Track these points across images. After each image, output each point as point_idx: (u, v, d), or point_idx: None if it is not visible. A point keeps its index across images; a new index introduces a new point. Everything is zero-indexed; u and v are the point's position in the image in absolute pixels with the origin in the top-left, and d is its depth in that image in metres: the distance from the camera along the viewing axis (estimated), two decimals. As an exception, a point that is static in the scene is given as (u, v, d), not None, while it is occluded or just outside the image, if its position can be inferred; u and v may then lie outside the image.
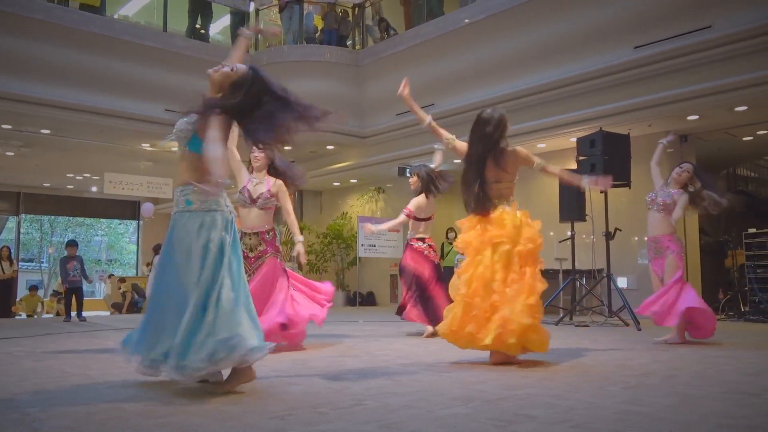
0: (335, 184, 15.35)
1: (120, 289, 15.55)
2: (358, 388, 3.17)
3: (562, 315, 8.16)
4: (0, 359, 4.51)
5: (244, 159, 5.28)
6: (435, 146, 6.58)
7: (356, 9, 13.05)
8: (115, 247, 30.75)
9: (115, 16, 12.44)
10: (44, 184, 17.51)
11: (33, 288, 15.80)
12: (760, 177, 14.93)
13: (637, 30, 8.56)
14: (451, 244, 11.90)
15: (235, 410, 2.62)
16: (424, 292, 6.22)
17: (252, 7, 13.04)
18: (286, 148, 14.57)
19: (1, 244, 14.17)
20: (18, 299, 15.33)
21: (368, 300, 14.39)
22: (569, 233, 8.54)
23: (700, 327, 5.48)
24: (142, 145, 12.63)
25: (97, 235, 30.66)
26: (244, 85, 3.25)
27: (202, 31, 12.38)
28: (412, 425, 2.34)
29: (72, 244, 10.44)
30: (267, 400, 2.85)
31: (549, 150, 11.04)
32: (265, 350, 3.05)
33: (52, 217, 27.20)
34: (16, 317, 13.34)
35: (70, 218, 26.97)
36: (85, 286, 10.35)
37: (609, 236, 7.82)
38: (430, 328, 6.04)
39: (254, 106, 3.22)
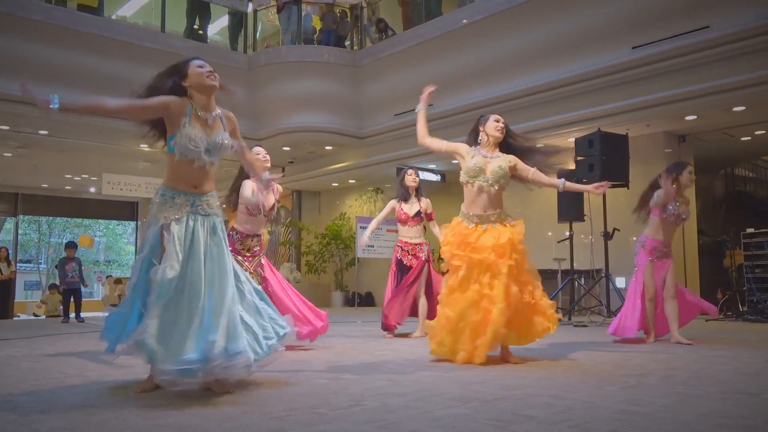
0: (334, 184, 15.35)
1: (116, 291, 15.55)
2: (356, 388, 3.17)
3: (560, 315, 8.16)
4: (-2, 360, 4.51)
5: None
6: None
7: (354, 9, 13.06)
8: (114, 248, 30.70)
9: (113, 17, 12.43)
10: (42, 185, 17.49)
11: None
12: (758, 177, 14.95)
13: (635, 30, 8.57)
14: None
15: (233, 411, 2.62)
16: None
17: (250, 7, 13.04)
18: (285, 148, 14.49)
19: (-1, 246, 14.17)
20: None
21: (367, 300, 14.39)
22: (568, 233, 8.54)
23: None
24: (140, 145, 12.62)
25: (96, 236, 30.61)
26: None
27: (200, 32, 12.38)
28: (410, 425, 2.34)
29: (71, 245, 10.44)
30: (266, 400, 2.85)
31: (547, 150, 11.04)
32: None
33: (50, 218, 27.17)
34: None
35: (69, 219, 26.94)
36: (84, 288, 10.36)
37: (607, 236, 7.83)
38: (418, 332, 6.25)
39: None
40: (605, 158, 7.60)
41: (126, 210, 19.74)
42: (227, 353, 2.90)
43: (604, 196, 7.83)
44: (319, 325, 5.16)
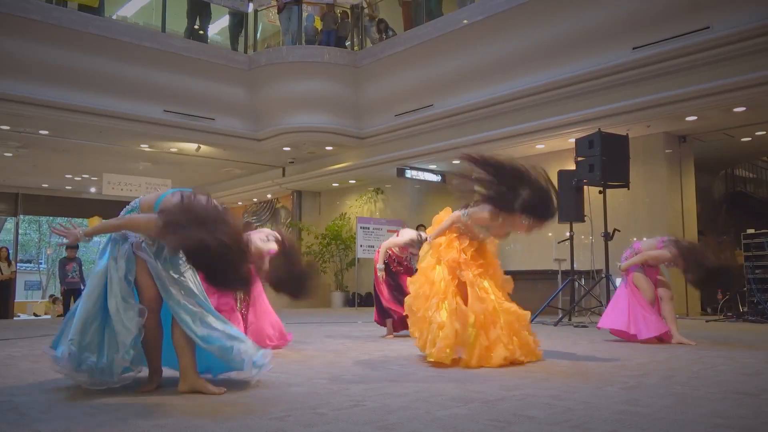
0: (334, 185, 15.35)
1: None
2: (357, 389, 3.18)
3: (560, 315, 8.16)
4: (-2, 360, 4.51)
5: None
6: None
7: (355, 10, 13.06)
8: (114, 248, 30.71)
9: (114, 17, 12.43)
10: (43, 185, 17.49)
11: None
12: (758, 177, 14.95)
13: (636, 31, 8.57)
14: None
15: (234, 411, 2.62)
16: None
17: (251, 8, 13.04)
18: (285, 149, 14.42)
19: (-1, 245, 14.17)
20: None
21: (367, 301, 14.37)
22: (568, 234, 8.54)
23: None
24: (141, 146, 12.63)
25: (96, 237, 30.62)
26: None
27: (201, 32, 12.38)
28: (411, 426, 2.34)
29: (72, 246, 10.44)
30: (266, 401, 2.86)
31: (547, 151, 11.05)
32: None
33: (51, 218, 27.16)
34: (17, 317, 13.32)
35: (69, 219, 26.93)
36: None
37: (608, 237, 7.83)
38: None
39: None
40: (605, 159, 7.60)
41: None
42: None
43: (604, 196, 7.83)
44: (282, 343, 5.25)
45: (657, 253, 5.59)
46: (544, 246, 10.29)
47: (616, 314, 5.70)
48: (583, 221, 8.52)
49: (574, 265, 8.53)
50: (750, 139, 10.55)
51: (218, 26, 13.89)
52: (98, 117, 10.62)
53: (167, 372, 3.36)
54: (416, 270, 4.64)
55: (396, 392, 3.05)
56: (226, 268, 2.74)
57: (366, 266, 14.30)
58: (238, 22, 12.97)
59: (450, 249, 4.37)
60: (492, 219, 4.16)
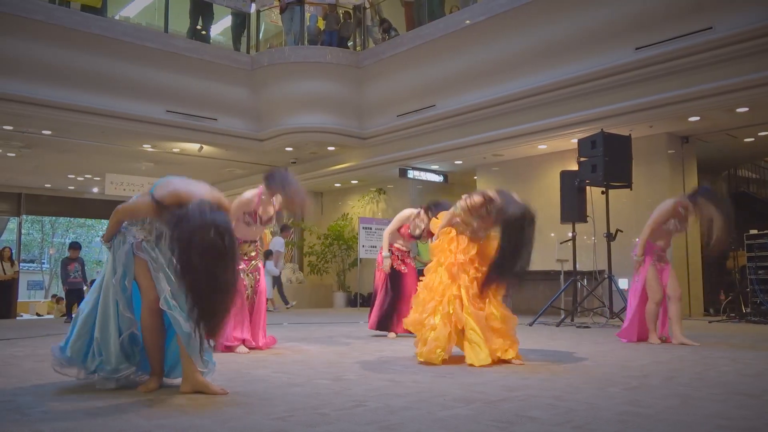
0: (336, 185, 15.35)
1: None
2: (359, 389, 3.18)
3: (563, 316, 8.16)
4: (1, 360, 4.51)
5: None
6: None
7: (357, 10, 13.07)
8: (117, 248, 30.76)
9: (117, 17, 12.44)
10: (45, 185, 17.51)
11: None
12: (761, 178, 14.92)
13: (639, 31, 8.56)
14: None
15: (236, 411, 2.62)
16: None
17: (253, 8, 13.05)
18: (287, 149, 14.46)
19: (2, 245, 14.19)
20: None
21: (369, 301, 14.37)
22: (570, 234, 8.53)
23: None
24: (143, 146, 12.64)
25: (98, 236, 30.67)
26: None
27: (203, 32, 12.39)
28: (413, 426, 2.34)
29: (75, 246, 10.45)
30: (268, 401, 2.86)
31: (550, 151, 11.04)
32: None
33: (53, 218, 27.23)
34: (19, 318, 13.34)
35: (71, 219, 26.99)
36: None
37: (610, 237, 7.82)
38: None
39: None
40: (608, 159, 7.58)
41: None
42: None
43: (606, 197, 7.82)
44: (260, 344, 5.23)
45: (661, 210, 5.60)
46: (546, 246, 10.27)
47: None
48: (586, 222, 8.51)
49: (577, 266, 8.53)
50: (753, 139, 10.53)
51: (221, 26, 13.90)
52: (101, 117, 10.63)
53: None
54: (422, 265, 4.70)
55: (398, 392, 3.05)
56: (204, 304, 2.71)
57: (368, 266, 14.29)
58: (241, 23, 12.98)
59: (448, 251, 4.39)
60: (482, 206, 4.21)
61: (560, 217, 8.71)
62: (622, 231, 7.97)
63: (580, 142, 8.19)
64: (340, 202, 15.90)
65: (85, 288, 10.46)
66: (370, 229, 12.81)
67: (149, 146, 12.73)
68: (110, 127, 11.01)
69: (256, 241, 5.29)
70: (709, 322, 8.62)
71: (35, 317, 16.93)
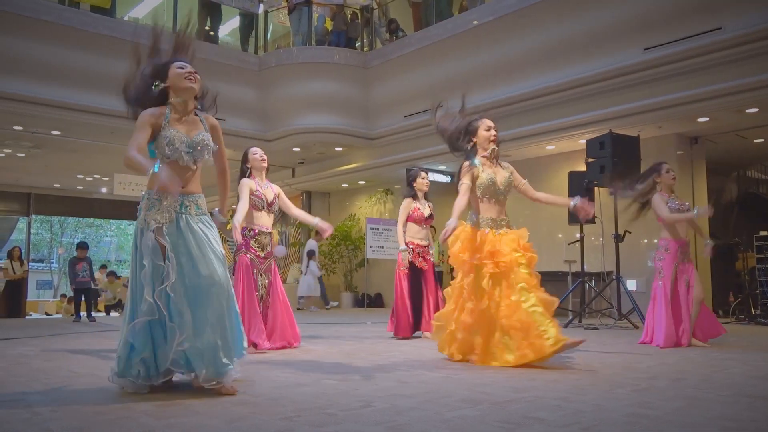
0: (343, 185, 15.37)
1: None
2: (366, 389, 3.18)
3: (571, 317, 8.14)
4: (10, 359, 4.55)
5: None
6: None
7: (365, 11, 13.08)
8: (125, 247, 30.91)
9: (125, 18, 12.50)
10: (54, 185, 17.61)
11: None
12: (771, 179, 14.82)
13: (647, 31, 8.53)
14: None
15: (243, 411, 2.63)
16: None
17: (261, 9, 13.08)
18: (295, 149, 14.44)
19: (12, 245, 14.31)
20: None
21: (376, 302, 14.39)
22: (578, 235, 8.51)
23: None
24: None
25: (107, 236, 30.85)
26: None
27: (212, 33, 12.44)
28: (420, 427, 2.34)
29: (82, 245, 10.51)
30: (275, 401, 2.86)
31: (558, 152, 11.02)
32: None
33: (62, 217, 27.36)
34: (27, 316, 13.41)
35: (80, 219, 27.12)
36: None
37: (618, 238, 7.79)
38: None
39: None
40: (616, 160, 7.56)
41: (137, 210, 19.83)
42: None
43: (615, 197, 7.78)
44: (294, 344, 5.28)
45: (656, 202, 5.62)
46: (554, 247, 10.25)
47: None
48: (594, 222, 8.48)
49: (585, 267, 8.50)
50: (763, 140, 10.48)
51: (229, 27, 13.95)
52: (109, 117, 10.65)
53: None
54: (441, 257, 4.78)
55: (405, 393, 3.05)
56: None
57: (375, 267, 14.30)
58: (249, 23, 13.01)
59: (462, 251, 4.35)
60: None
61: (568, 218, 8.69)
62: (630, 232, 7.94)
63: (588, 142, 8.17)
64: (348, 203, 15.92)
65: (93, 287, 10.52)
66: (378, 229, 12.81)
67: (157, 146, 12.77)
68: (119, 127, 11.03)
69: (270, 232, 5.30)
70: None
71: (44, 316, 17.02)
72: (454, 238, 4.34)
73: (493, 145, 4.47)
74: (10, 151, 12.66)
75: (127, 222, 26.66)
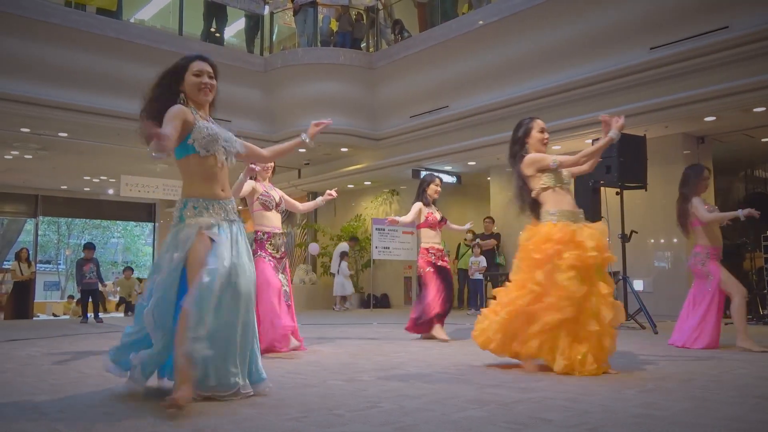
0: (349, 186, 15.37)
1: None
2: (373, 390, 3.18)
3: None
4: (18, 360, 4.57)
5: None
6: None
7: (370, 11, 13.09)
8: (131, 249, 31.00)
9: (131, 20, 12.55)
10: (61, 187, 17.68)
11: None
12: (778, 179, 14.75)
13: (653, 31, 8.50)
14: (468, 246, 11.86)
15: (250, 412, 2.63)
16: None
17: (267, 10, 13.11)
18: (300, 150, 14.45)
19: (19, 246, 14.36)
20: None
21: (382, 302, 14.39)
22: (584, 235, 8.48)
23: None
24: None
25: (114, 237, 30.93)
26: None
27: (217, 35, 12.47)
28: (427, 428, 2.34)
29: (89, 247, 10.55)
30: (283, 401, 2.87)
31: (564, 152, 10.95)
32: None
33: (70, 219, 27.46)
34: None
35: (87, 220, 27.21)
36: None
37: (625, 239, 7.76)
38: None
39: None
40: (623, 160, 7.53)
41: (144, 211, 19.91)
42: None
43: (621, 197, 7.77)
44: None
45: (695, 205, 5.61)
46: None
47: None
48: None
49: (591, 267, 8.47)
50: (770, 139, 10.44)
51: (234, 29, 13.99)
52: (116, 119, 10.70)
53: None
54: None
55: (412, 394, 3.05)
56: None
57: (381, 267, 14.31)
58: (254, 25, 13.05)
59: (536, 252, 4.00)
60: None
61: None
62: (636, 232, 7.92)
63: (594, 142, 8.13)
64: (354, 203, 15.93)
65: (100, 288, 10.56)
66: (383, 230, 12.82)
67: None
68: (125, 129, 11.08)
69: (283, 233, 5.31)
70: (726, 324, 8.52)
71: (52, 317, 17.09)
72: (545, 232, 4.06)
73: (545, 148, 4.36)
74: (17, 153, 12.72)
75: (134, 223, 26.75)
